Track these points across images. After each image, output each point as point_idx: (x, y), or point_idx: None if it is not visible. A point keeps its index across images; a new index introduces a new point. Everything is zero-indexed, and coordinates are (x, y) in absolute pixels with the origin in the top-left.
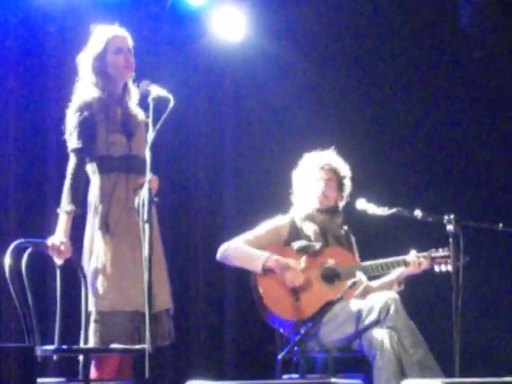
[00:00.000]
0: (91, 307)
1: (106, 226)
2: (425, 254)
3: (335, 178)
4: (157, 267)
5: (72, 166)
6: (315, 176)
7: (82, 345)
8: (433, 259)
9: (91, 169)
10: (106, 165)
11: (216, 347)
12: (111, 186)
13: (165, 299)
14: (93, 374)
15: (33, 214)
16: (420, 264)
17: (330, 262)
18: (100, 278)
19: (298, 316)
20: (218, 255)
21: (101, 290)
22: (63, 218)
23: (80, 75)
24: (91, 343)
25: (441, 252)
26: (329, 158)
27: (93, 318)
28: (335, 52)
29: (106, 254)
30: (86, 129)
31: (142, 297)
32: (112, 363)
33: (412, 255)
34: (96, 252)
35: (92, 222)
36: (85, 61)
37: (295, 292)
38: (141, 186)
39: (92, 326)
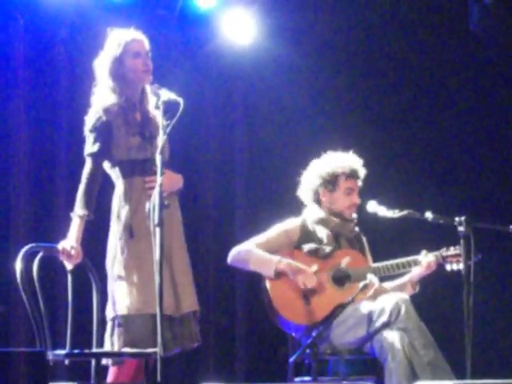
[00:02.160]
0: (113, 312)
1: (129, 231)
2: (436, 253)
3: (357, 185)
4: (182, 269)
5: (87, 171)
6: (346, 185)
7: (94, 349)
8: (444, 258)
9: (114, 174)
10: (128, 169)
11: (227, 350)
12: (135, 189)
13: (192, 301)
14: (109, 378)
15: (44, 219)
16: (431, 264)
17: (344, 261)
18: (124, 283)
19: (309, 320)
20: (229, 259)
21: (125, 293)
22: (75, 222)
23: (97, 79)
24: (116, 347)
25: (452, 250)
26: (356, 165)
27: (117, 322)
28: (345, 54)
29: (129, 258)
30: (103, 133)
31: (166, 300)
32: (131, 367)
33: (423, 255)
34: (119, 257)
35: (115, 227)
36: (102, 65)
37: (306, 296)
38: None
39: (116, 331)
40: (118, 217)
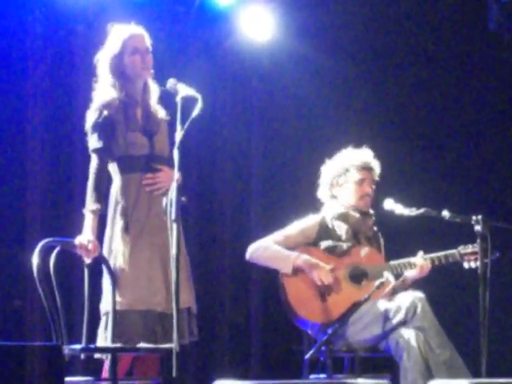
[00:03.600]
0: (109, 306)
1: (125, 226)
2: (453, 251)
3: (369, 177)
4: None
5: (94, 166)
6: (357, 176)
7: (109, 343)
8: (462, 256)
9: (113, 169)
10: (127, 165)
11: (242, 347)
12: (132, 185)
13: (184, 298)
14: (103, 373)
15: (60, 214)
16: (423, 268)
17: (364, 251)
18: (118, 277)
19: (325, 318)
20: (248, 255)
21: (118, 288)
22: (89, 217)
23: (98, 75)
24: (108, 342)
25: (470, 248)
26: (368, 157)
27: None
28: (363, 51)
29: (124, 253)
30: (106, 129)
31: (158, 296)
32: (122, 363)
33: (419, 257)
34: (115, 251)
35: (112, 222)
36: (102, 61)
37: (322, 293)
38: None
39: (109, 326)
40: (115, 212)
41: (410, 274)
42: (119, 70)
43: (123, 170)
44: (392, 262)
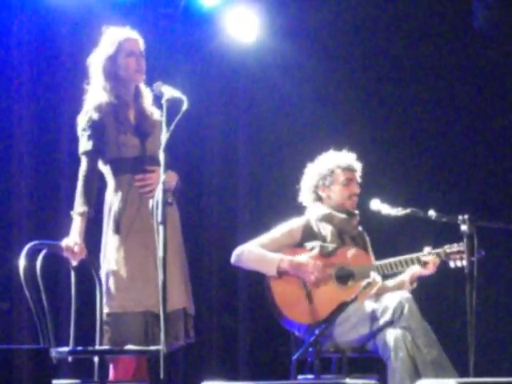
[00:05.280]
0: (109, 308)
1: (118, 228)
2: (438, 250)
3: (354, 177)
4: (171, 268)
5: (84, 169)
6: (344, 177)
7: (97, 346)
8: (448, 255)
9: (106, 171)
10: (119, 167)
11: (230, 348)
12: (125, 187)
13: (179, 299)
14: (110, 375)
15: (47, 216)
16: (434, 263)
17: (350, 252)
18: (112, 279)
19: (312, 319)
20: (233, 259)
21: (112, 290)
22: (77, 220)
23: (90, 77)
24: (104, 345)
25: (456, 247)
26: (351, 159)
27: (104, 319)
28: (348, 53)
29: (118, 255)
30: (96, 131)
31: (154, 297)
32: (129, 365)
33: (426, 253)
34: (109, 253)
35: (106, 224)
36: (96, 62)
37: (309, 294)
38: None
39: (104, 328)
40: (109, 214)
41: (417, 270)
42: (112, 72)
43: (115, 173)
44: (378, 262)
